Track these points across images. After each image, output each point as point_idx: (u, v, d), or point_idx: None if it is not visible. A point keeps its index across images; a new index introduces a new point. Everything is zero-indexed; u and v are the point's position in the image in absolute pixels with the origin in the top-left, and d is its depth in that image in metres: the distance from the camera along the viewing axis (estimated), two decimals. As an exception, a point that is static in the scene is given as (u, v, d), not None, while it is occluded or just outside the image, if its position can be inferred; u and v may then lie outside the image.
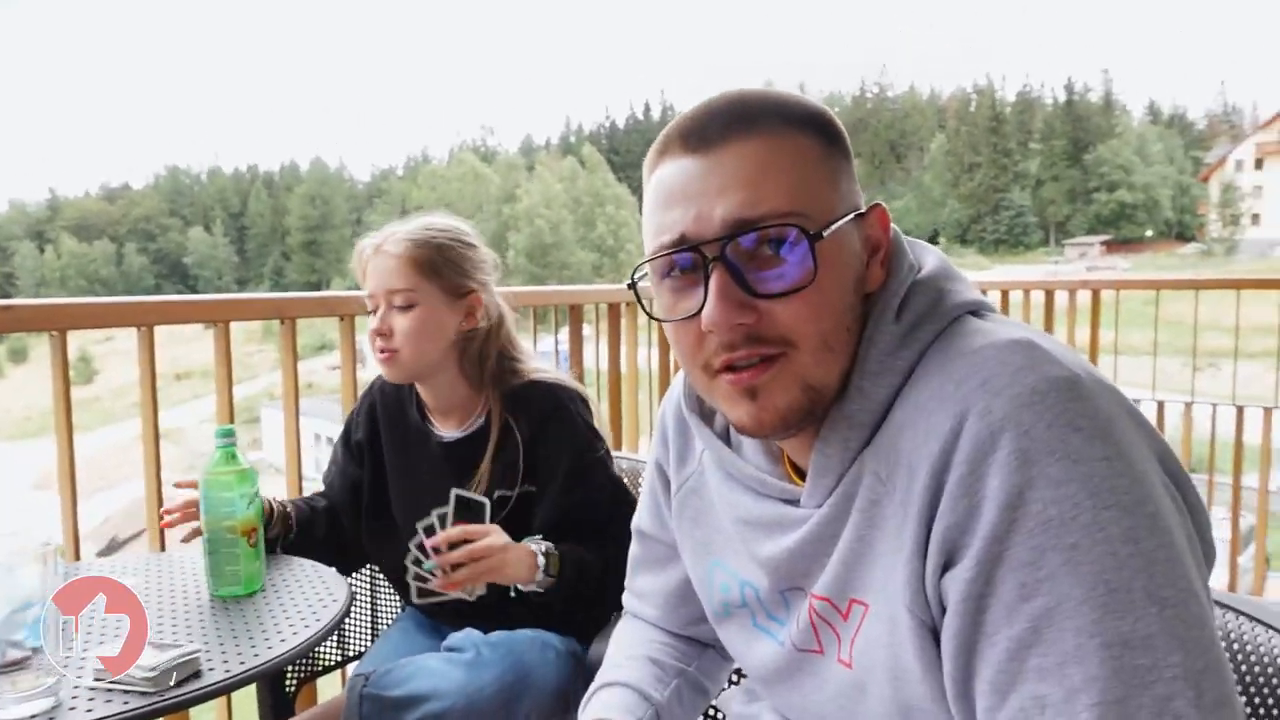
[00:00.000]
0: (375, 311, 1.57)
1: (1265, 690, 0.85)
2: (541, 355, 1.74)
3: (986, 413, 0.65)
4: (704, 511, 0.95)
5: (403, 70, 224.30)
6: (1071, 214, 76.62)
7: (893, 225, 0.81)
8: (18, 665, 1.04)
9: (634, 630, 1.13)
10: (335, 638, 1.86)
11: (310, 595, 1.42)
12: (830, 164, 0.77)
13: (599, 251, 65.48)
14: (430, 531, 1.59)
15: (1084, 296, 4.10)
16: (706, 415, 0.91)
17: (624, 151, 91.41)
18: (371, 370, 1.70)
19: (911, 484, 0.70)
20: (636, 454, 2.29)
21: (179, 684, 1.09)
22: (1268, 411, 3.66)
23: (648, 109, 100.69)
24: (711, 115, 0.76)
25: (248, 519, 1.42)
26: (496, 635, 1.46)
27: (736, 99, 0.77)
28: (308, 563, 1.58)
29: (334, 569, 1.53)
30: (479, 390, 1.62)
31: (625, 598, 1.16)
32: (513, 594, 1.49)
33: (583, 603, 1.49)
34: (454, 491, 1.59)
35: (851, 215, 0.76)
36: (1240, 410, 3.71)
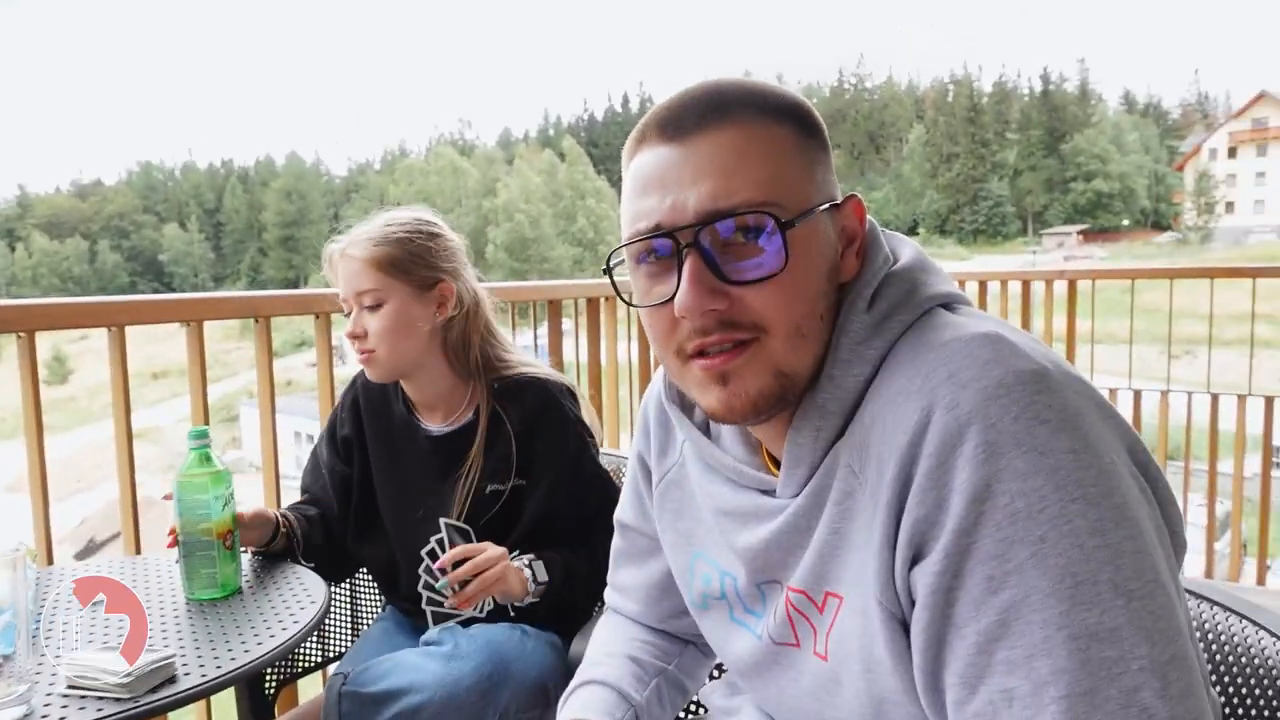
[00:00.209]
0: (350, 314, 1.58)
1: (1239, 680, 0.86)
2: (522, 350, 1.74)
3: (953, 406, 0.66)
4: (685, 503, 0.96)
5: (379, 63, 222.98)
6: (1049, 204, 77.23)
7: (869, 217, 0.82)
8: (-12, 673, 1.03)
9: (615, 627, 1.13)
10: (315, 638, 1.84)
11: (289, 596, 1.40)
12: (806, 154, 0.77)
13: (580, 245, 65.44)
14: (433, 557, 1.61)
15: (1061, 286, 4.14)
16: (687, 407, 0.92)
17: (603, 144, 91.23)
18: (352, 367, 1.69)
19: (881, 476, 0.70)
20: (617, 450, 2.28)
21: (154, 690, 1.08)
22: (1242, 399, 3.71)
23: (626, 101, 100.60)
24: (688, 104, 0.76)
25: (223, 521, 1.41)
26: (475, 628, 1.48)
27: (714, 88, 0.77)
28: (286, 564, 1.57)
29: (328, 575, 1.54)
30: (466, 381, 1.62)
31: (607, 593, 1.16)
32: (512, 613, 1.53)
33: (571, 604, 1.52)
34: (443, 521, 1.60)
35: (826, 205, 0.77)
36: (1215, 398, 3.76)
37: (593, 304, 3.16)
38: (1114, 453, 0.66)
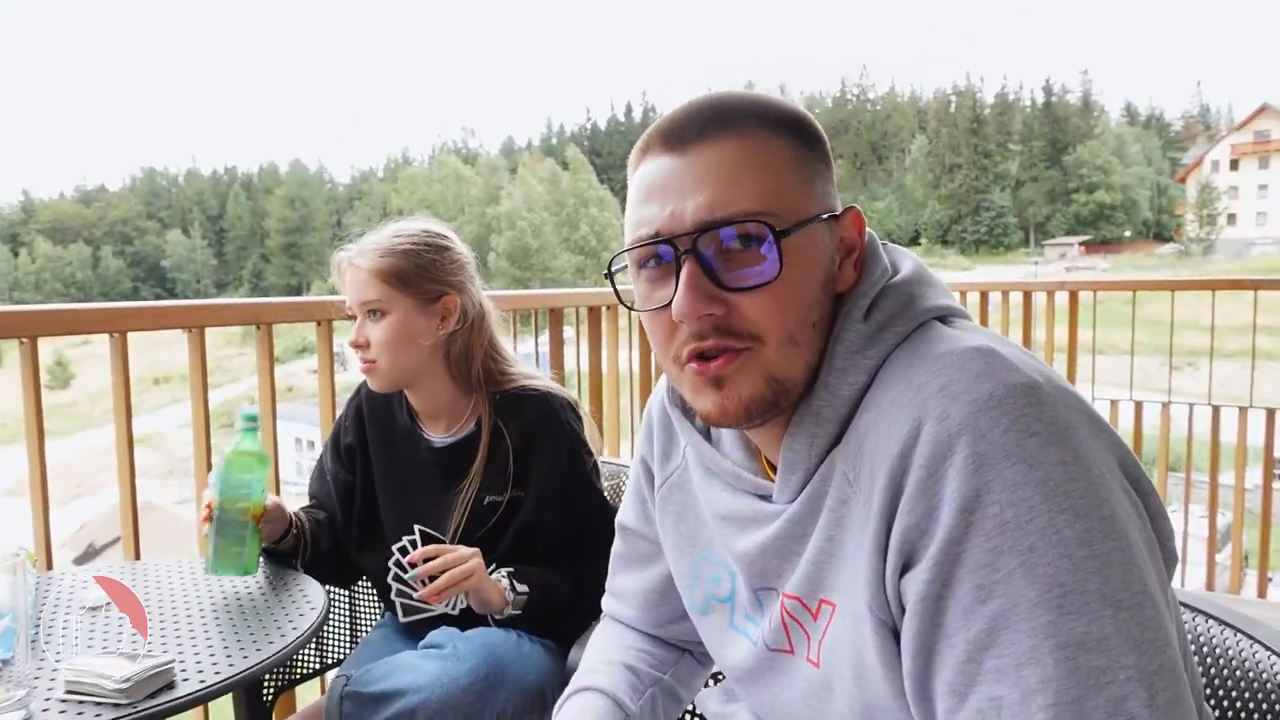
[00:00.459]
0: (355, 321, 1.59)
1: (1234, 694, 0.86)
2: (523, 358, 1.74)
3: (944, 417, 0.67)
4: (688, 506, 0.97)
5: (382, 70, 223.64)
6: (1051, 214, 77.26)
7: (869, 230, 0.83)
8: (-13, 678, 1.03)
9: (611, 634, 1.13)
10: (313, 645, 1.85)
11: (287, 603, 1.41)
12: (805, 166, 0.78)
13: (582, 254, 65.46)
14: (404, 552, 1.62)
15: (1062, 297, 4.15)
16: (689, 411, 0.93)
17: (606, 153, 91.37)
18: (353, 373, 1.70)
19: (874, 485, 0.71)
20: (617, 458, 2.28)
21: (152, 695, 1.08)
22: (1243, 410, 3.71)
23: (629, 110, 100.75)
24: (691, 116, 0.79)
25: (259, 504, 1.46)
26: (473, 631, 1.49)
27: (716, 101, 0.79)
28: (285, 570, 1.57)
29: (332, 580, 1.55)
30: (468, 393, 1.63)
31: (605, 599, 1.17)
32: (491, 623, 1.54)
33: (555, 617, 1.53)
34: (417, 526, 1.62)
35: (824, 216, 0.78)
36: (1217, 409, 3.76)
37: (594, 312, 3.16)
38: (1104, 466, 0.67)
